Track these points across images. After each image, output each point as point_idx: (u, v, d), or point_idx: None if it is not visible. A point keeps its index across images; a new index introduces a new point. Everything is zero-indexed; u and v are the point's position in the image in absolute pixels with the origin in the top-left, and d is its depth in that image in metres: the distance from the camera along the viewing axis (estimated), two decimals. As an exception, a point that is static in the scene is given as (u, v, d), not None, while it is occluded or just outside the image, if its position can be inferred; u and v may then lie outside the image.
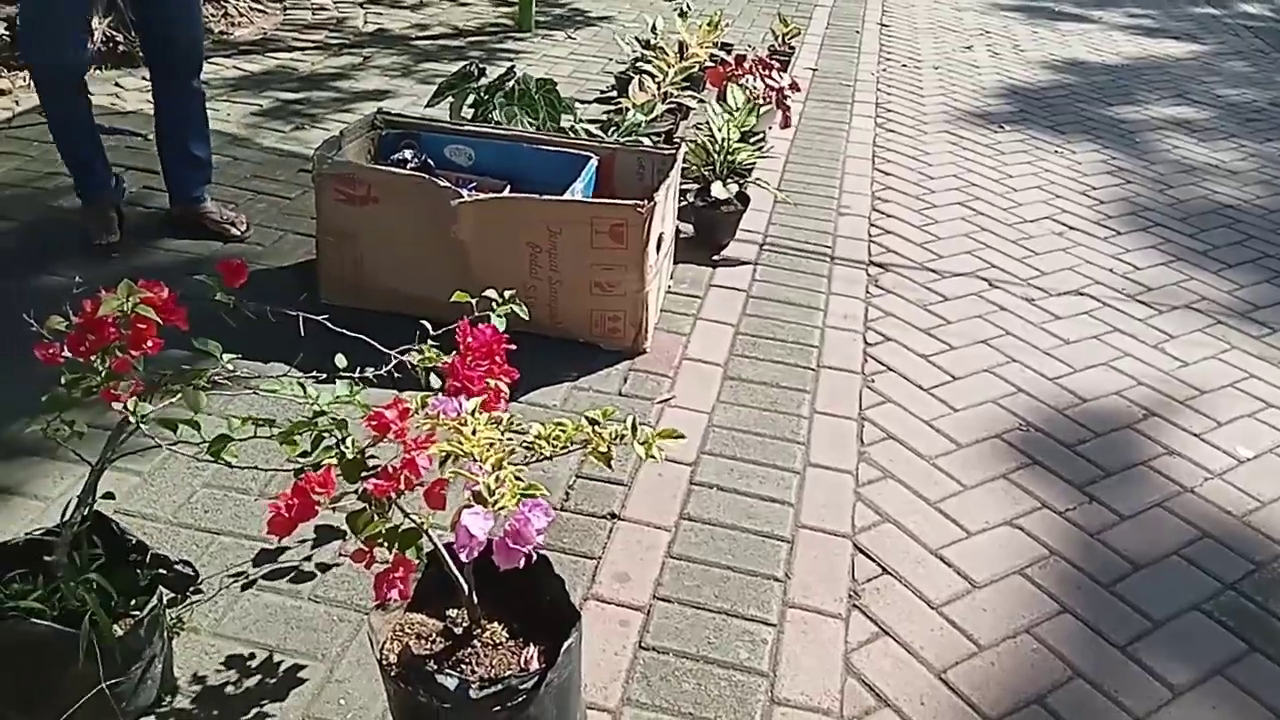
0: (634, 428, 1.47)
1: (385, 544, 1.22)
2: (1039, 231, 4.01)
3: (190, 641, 1.82)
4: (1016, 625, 2.06)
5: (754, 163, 3.84)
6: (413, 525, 1.23)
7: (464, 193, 2.69)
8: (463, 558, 1.18)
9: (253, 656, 1.81)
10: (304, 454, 1.45)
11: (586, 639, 1.88)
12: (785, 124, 4.29)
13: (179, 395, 1.65)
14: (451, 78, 3.42)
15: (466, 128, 3.17)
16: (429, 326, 1.86)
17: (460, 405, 1.32)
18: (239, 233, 3.30)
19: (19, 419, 1.73)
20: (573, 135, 3.33)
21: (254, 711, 1.71)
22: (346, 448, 1.34)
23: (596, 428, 1.46)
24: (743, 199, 3.50)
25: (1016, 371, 3.01)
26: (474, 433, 1.26)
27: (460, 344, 1.69)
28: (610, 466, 1.53)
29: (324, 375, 1.79)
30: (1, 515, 2.06)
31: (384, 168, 2.90)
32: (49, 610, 1.56)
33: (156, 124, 3.31)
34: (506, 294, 1.92)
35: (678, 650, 1.90)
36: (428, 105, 3.66)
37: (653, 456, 1.43)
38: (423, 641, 1.54)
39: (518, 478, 1.28)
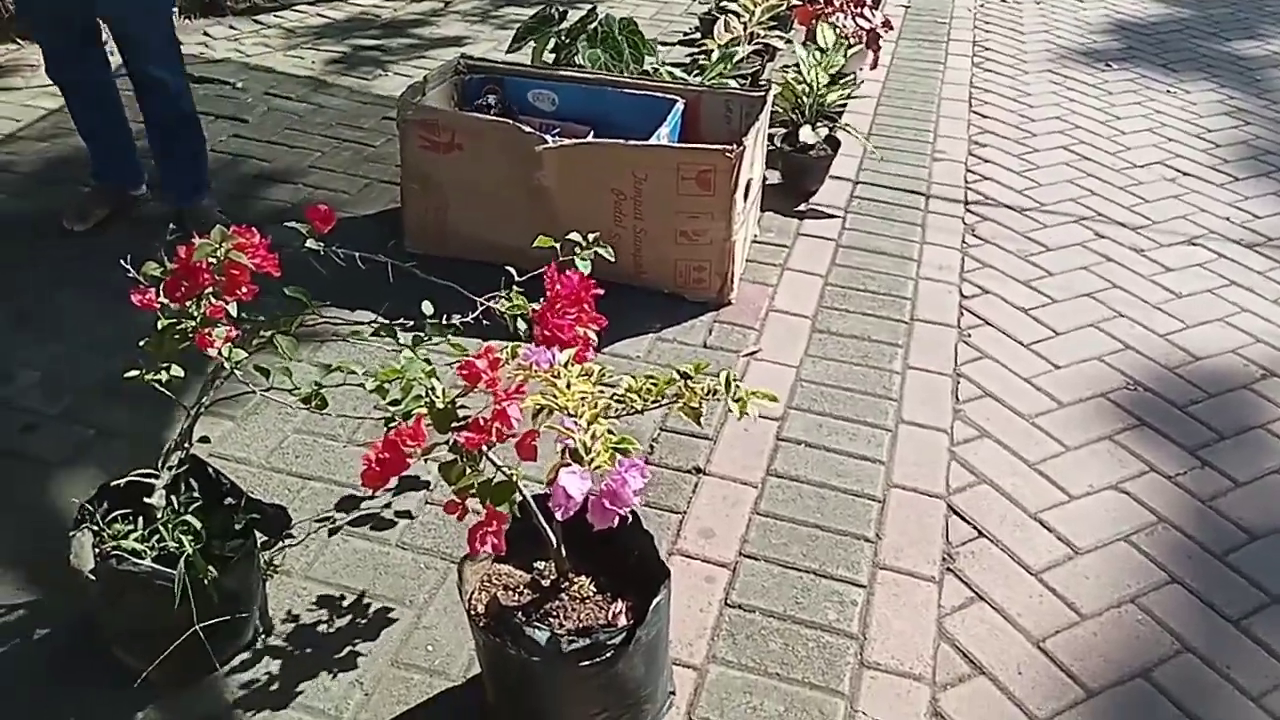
0: (728, 383, 1.41)
1: (478, 497, 1.20)
2: (1149, 177, 3.79)
3: (283, 584, 1.85)
4: (1121, 594, 1.97)
5: (844, 105, 3.69)
6: (505, 479, 1.21)
7: (548, 138, 2.63)
8: (559, 517, 1.15)
9: (343, 598, 1.84)
10: (394, 403, 1.44)
11: (672, 594, 1.86)
12: (876, 64, 4.12)
13: (271, 342, 1.67)
14: (531, 21, 3.34)
15: (549, 72, 3.10)
16: (514, 273, 1.84)
17: (554, 357, 1.28)
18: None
19: (119, 365, 1.77)
20: (657, 78, 3.23)
21: (346, 650, 1.74)
22: (437, 397, 1.32)
23: (689, 382, 1.41)
24: (832, 144, 3.37)
25: (1124, 327, 2.86)
26: (568, 386, 1.22)
27: (548, 290, 1.65)
28: (700, 423, 1.48)
29: (411, 323, 1.78)
30: (106, 457, 2.12)
31: (468, 113, 2.86)
32: (148, 551, 1.59)
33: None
34: (590, 237, 1.88)
35: (764, 609, 1.86)
36: (508, 51, 3.59)
37: (746, 414, 1.38)
38: (510, 592, 1.53)
39: (610, 432, 1.24)
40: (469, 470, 1.23)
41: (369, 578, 1.88)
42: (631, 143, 2.62)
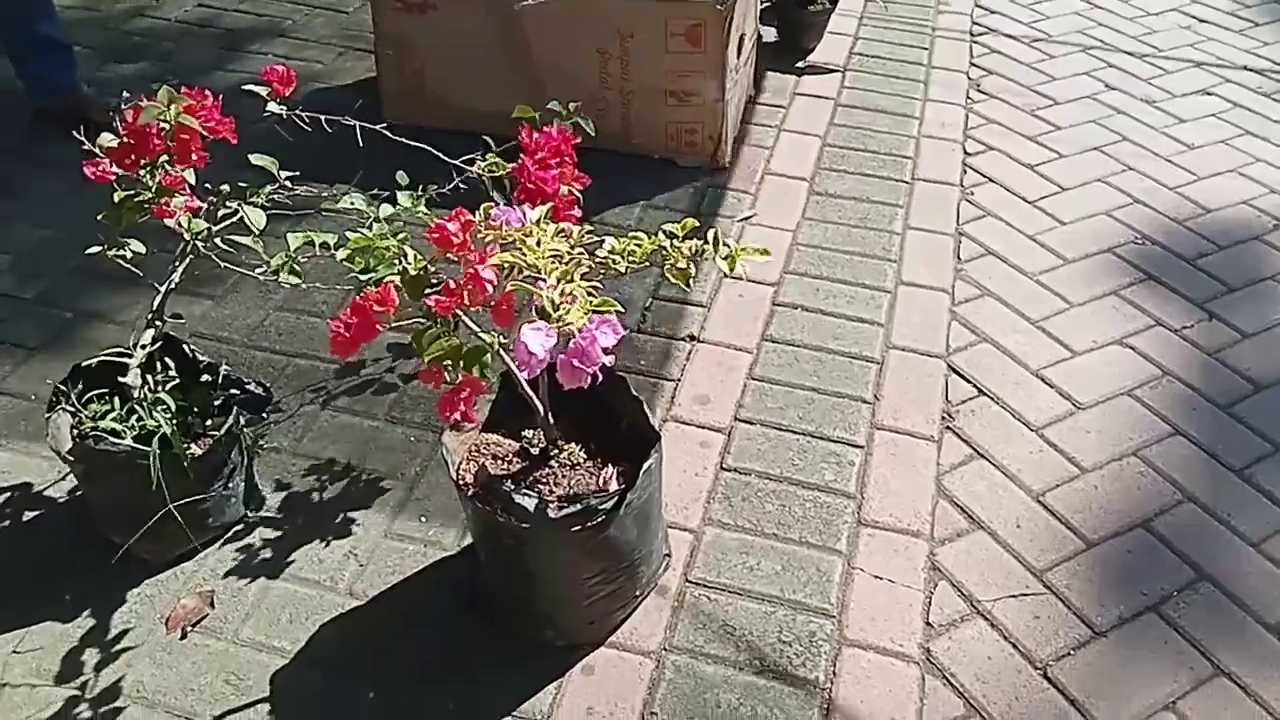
0: (715, 241, 1.34)
1: (451, 364, 1.15)
2: (1164, 25, 3.60)
3: (272, 460, 1.83)
4: (1123, 448, 1.94)
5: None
6: (478, 343, 1.15)
7: (527, -7, 2.48)
8: (522, 376, 1.09)
9: (334, 470, 1.81)
10: (365, 270, 1.38)
11: (666, 460, 1.83)
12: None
13: (237, 214, 1.59)
14: None
15: (528, -77, 2.91)
16: (491, 142, 1.75)
17: (524, 214, 1.21)
18: None
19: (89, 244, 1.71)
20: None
21: (339, 520, 1.72)
22: (409, 263, 1.25)
23: (675, 242, 1.33)
24: (831, -3, 3.19)
25: (1133, 180, 2.75)
26: (538, 244, 1.15)
27: (526, 148, 1.57)
28: (689, 285, 1.41)
29: (386, 193, 1.70)
30: (85, 339, 2.07)
31: (441, -31, 2.69)
32: (127, 431, 1.56)
33: None
34: (571, 106, 1.79)
35: (760, 471, 1.84)
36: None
37: (736, 274, 1.31)
38: (499, 462, 1.50)
39: (591, 292, 1.17)
40: (442, 337, 1.18)
41: (360, 451, 1.86)
42: (615, -4, 2.47)
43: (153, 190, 1.40)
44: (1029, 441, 1.95)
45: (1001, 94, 3.15)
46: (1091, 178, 2.76)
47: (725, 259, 1.34)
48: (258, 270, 1.56)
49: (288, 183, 1.66)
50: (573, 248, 1.26)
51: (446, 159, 1.70)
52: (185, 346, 1.68)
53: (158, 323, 1.63)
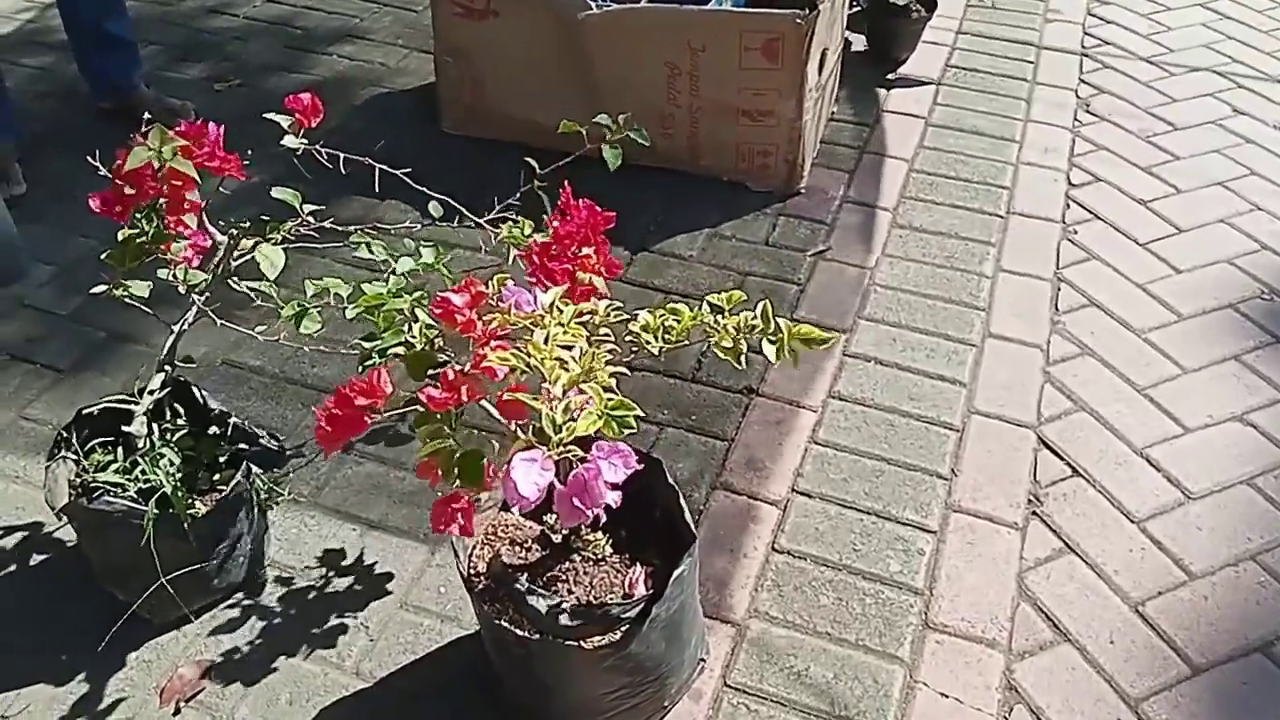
0: (766, 318, 1.15)
1: (443, 470, 0.99)
2: (1303, 41, 3.24)
3: (289, 512, 1.71)
4: (1240, 550, 1.69)
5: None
6: (474, 450, 0.99)
7: (592, 4, 2.30)
8: (515, 512, 0.93)
9: (353, 529, 1.68)
10: (370, 337, 1.23)
11: (711, 536, 1.66)
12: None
13: (254, 251, 1.46)
14: None
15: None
16: (535, 165, 1.59)
17: (535, 299, 1.04)
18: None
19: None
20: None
21: (351, 588, 1.59)
22: (415, 336, 1.10)
23: (720, 319, 1.15)
24: (928, 4, 2.93)
25: (1261, 223, 2.45)
26: (546, 340, 0.98)
27: (555, 219, 1.39)
28: (740, 363, 1.23)
29: (418, 226, 1.56)
30: (116, 363, 1.99)
31: (505, -26, 2.54)
32: (130, 484, 1.44)
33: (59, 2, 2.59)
34: (621, 119, 1.61)
35: (817, 556, 1.64)
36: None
37: (786, 359, 1.12)
38: (516, 549, 1.34)
39: (609, 389, 1.00)
40: (446, 428, 1.02)
41: (382, 506, 1.72)
42: (687, 7, 2.27)
43: (150, 235, 1.27)
44: (1128, 536, 1.71)
45: (1113, 116, 2.86)
46: (1213, 218, 2.46)
47: (773, 342, 1.15)
48: (267, 327, 1.43)
49: (311, 218, 1.53)
50: (595, 331, 1.08)
51: (469, 216, 1.54)
52: (196, 391, 1.56)
53: (167, 367, 1.51)
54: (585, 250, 1.32)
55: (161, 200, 1.23)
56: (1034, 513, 1.75)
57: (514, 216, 1.53)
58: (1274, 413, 1.94)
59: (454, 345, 1.12)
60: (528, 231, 1.46)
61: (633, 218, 2.27)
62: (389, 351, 1.17)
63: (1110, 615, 1.59)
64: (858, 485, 1.76)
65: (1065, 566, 1.66)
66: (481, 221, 1.51)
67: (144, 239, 1.27)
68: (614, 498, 0.93)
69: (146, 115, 1.45)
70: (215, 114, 2.72)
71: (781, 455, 1.82)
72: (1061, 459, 1.85)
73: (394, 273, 1.35)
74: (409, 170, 1.60)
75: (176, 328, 1.50)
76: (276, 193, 1.48)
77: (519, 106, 2.49)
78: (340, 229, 1.60)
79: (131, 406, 1.49)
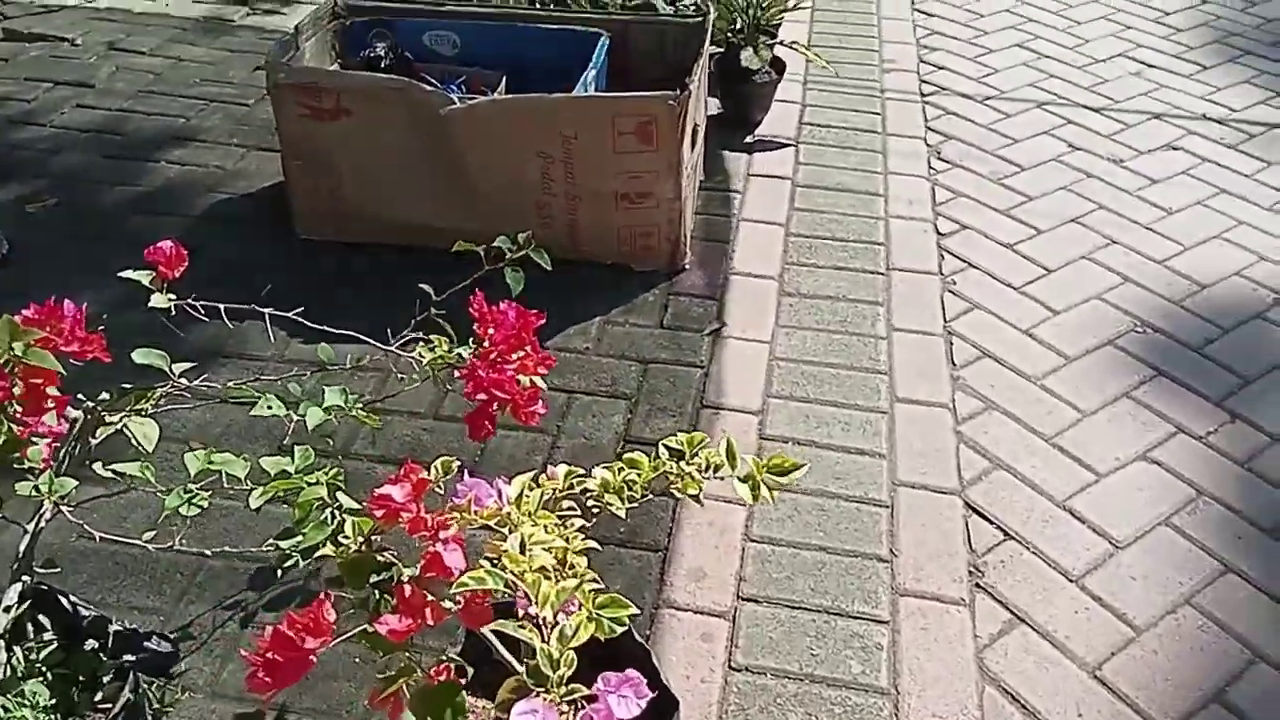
0: (731, 456, 1.07)
1: (415, 712, 0.85)
2: (1113, 73, 3.47)
3: (188, 706, 1.49)
4: (1174, 596, 1.72)
5: (780, 20, 3.27)
6: (444, 685, 0.85)
7: (454, 97, 2.19)
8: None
9: (262, 709, 1.48)
10: (286, 534, 1.07)
11: (664, 658, 1.55)
12: (811, -35, 3.68)
13: (121, 424, 1.27)
14: (422, -57, 2.83)
15: (448, 7, 2.62)
16: (430, 292, 1.47)
17: (500, 491, 0.92)
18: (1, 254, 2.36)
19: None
20: (575, 6, 2.77)
21: (271, 796, 1.39)
22: (349, 536, 0.95)
23: (680, 464, 1.06)
24: (777, 67, 2.97)
25: (1118, 255, 2.57)
26: (522, 546, 0.85)
27: (478, 327, 1.29)
28: (702, 503, 1.14)
29: (308, 374, 1.39)
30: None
31: (354, 72, 2.39)
32: (-8, 725, 1.21)
33: None
34: (520, 237, 1.53)
35: (776, 669, 1.56)
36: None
37: (760, 498, 1.04)
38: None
39: (592, 579, 0.89)
40: (399, 663, 0.87)
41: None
42: (556, 95, 2.19)
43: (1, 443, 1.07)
44: (1071, 598, 1.71)
45: (964, 161, 2.96)
46: (1075, 255, 2.57)
47: (746, 481, 1.07)
48: (155, 534, 1.24)
49: (183, 379, 1.35)
50: (559, 499, 0.97)
51: (380, 346, 1.40)
52: (64, 599, 1.34)
53: (25, 577, 1.28)
54: (517, 354, 1.25)
55: (10, 406, 1.03)
56: (978, 584, 1.73)
57: (417, 334, 1.42)
58: (1172, 447, 2.01)
59: (390, 537, 0.98)
60: (446, 349, 1.35)
61: (521, 316, 2.16)
62: (312, 552, 1.01)
63: (1072, 686, 1.57)
64: (802, 582, 1.70)
65: (1019, 639, 1.64)
66: (393, 349, 1.37)
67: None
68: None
69: None
70: (31, 239, 2.48)
71: (720, 559, 1.73)
72: (991, 523, 1.85)
73: (300, 445, 1.19)
74: (269, 286, 1.45)
75: (31, 527, 1.28)
76: (139, 357, 1.30)
77: (383, 207, 2.34)
78: (215, 387, 1.42)
79: (-17, 628, 1.26)
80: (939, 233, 2.65)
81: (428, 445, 1.93)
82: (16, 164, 2.78)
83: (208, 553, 1.36)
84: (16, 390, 1.01)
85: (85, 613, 1.33)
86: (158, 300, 1.27)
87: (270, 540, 1.08)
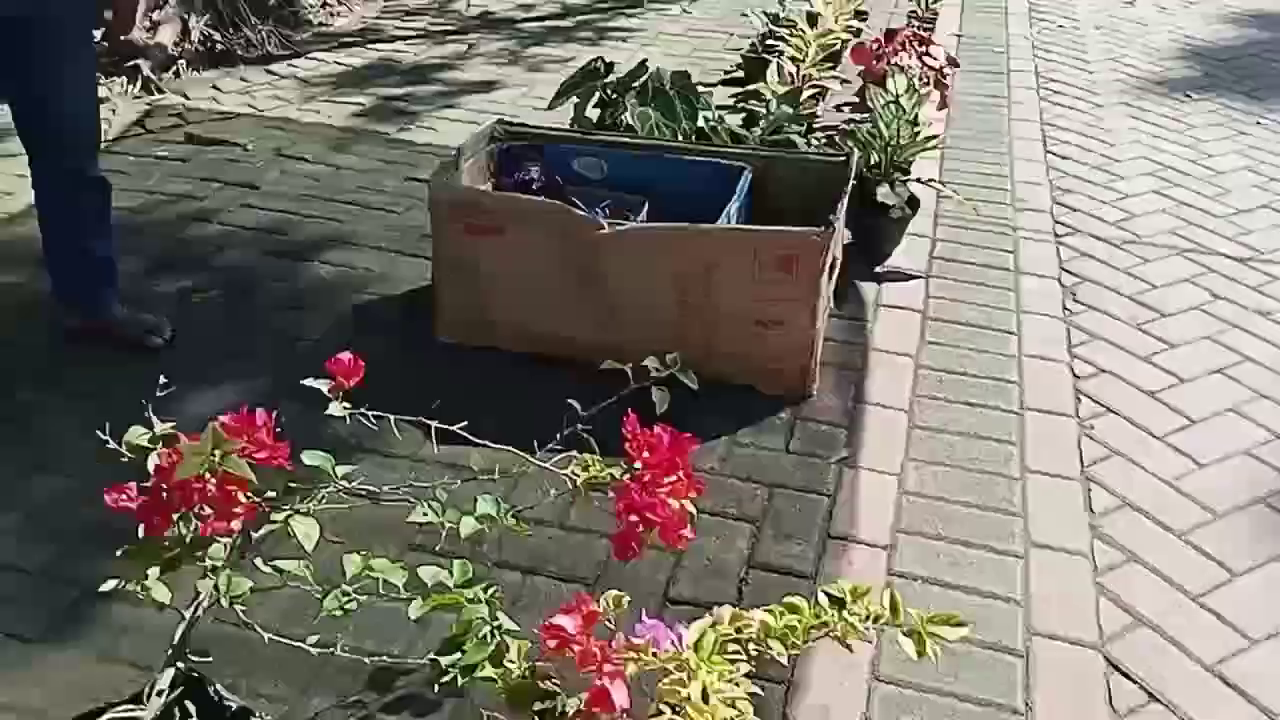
0: (895, 608, 1.06)
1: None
2: (1258, 224, 3.41)
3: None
4: (1345, 787, 1.59)
5: (915, 157, 3.34)
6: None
7: (603, 222, 2.29)
8: None
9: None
10: (445, 650, 1.09)
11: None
12: (943, 105, 3.76)
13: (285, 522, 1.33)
14: (576, 75, 3.02)
15: (596, 136, 2.77)
16: (578, 407, 1.50)
17: (680, 637, 0.93)
18: (162, 341, 2.53)
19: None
20: (715, 138, 2.90)
21: None
22: (514, 660, 0.97)
23: (842, 612, 1.05)
24: (912, 203, 3.02)
25: (1268, 411, 2.48)
26: (704, 696, 0.86)
27: (632, 451, 1.32)
28: (850, 649, 1.12)
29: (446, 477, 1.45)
30: (95, 628, 1.78)
31: (514, 194, 2.53)
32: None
33: (39, 216, 2.46)
34: (668, 358, 1.57)
35: (906, 825, 1.50)
36: (549, 107, 3.27)
37: (928, 655, 1.03)
38: None
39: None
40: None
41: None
42: (703, 226, 2.27)
43: (187, 543, 1.13)
44: (1228, 777, 1.60)
45: (1101, 304, 2.92)
46: (1221, 407, 2.49)
47: (910, 635, 1.05)
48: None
49: (345, 481, 1.41)
50: (724, 642, 0.97)
51: (538, 463, 1.43)
52: (211, 689, 1.38)
53: (179, 663, 1.34)
54: (670, 478, 1.26)
55: (204, 509, 1.10)
56: (1122, 752, 1.64)
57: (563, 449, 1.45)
58: (1335, 620, 1.89)
59: (554, 665, 0.99)
60: (599, 468, 1.37)
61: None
62: (471, 671, 1.03)
63: None
64: (933, 732, 1.64)
65: (1170, 818, 1.54)
66: (549, 465, 1.41)
67: (174, 553, 1.13)
68: None
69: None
70: (191, 330, 2.65)
71: (846, 697, 1.69)
72: (1135, 683, 1.75)
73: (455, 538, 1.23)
74: (437, 402, 1.50)
75: (188, 613, 1.34)
76: (307, 459, 1.37)
77: (525, 317, 2.44)
78: (375, 490, 1.48)
79: (135, 714, 1.31)
80: (1075, 374, 2.60)
81: (552, 555, 1.95)
82: (187, 257, 3.01)
83: (365, 660, 1.39)
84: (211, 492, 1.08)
85: (230, 703, 1.37)
86: (334, 409, 1.35)
87: (429, 654, 1.10)
